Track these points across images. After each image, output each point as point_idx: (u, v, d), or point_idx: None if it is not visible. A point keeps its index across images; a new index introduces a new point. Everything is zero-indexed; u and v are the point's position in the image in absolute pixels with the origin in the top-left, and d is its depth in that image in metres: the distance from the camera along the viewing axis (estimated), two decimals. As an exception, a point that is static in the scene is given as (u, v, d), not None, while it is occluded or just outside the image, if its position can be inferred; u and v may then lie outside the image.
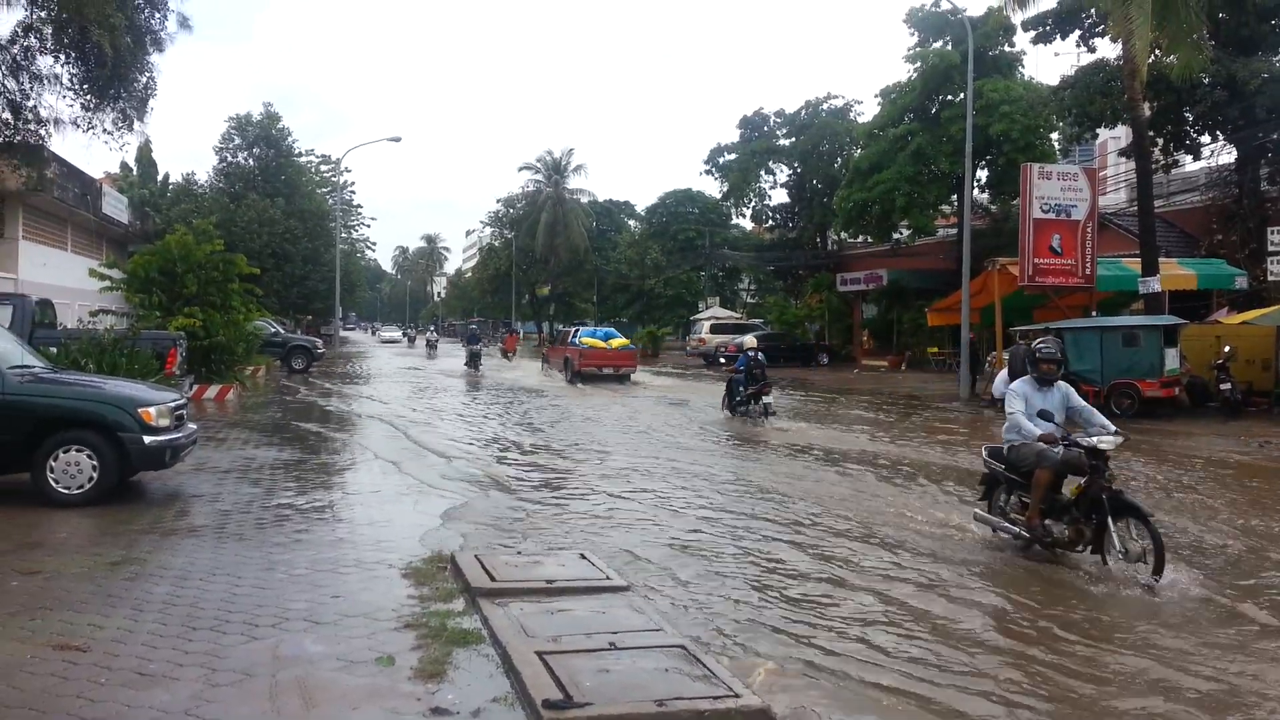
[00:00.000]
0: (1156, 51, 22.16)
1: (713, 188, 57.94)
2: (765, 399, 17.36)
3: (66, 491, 8.73)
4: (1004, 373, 20.51)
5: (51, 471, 8.72)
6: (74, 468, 8.76)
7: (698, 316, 54.50)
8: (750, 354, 18.38)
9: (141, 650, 5.08)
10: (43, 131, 19.34)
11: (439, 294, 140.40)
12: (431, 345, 52.57)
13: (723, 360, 39.04)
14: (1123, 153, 29.72)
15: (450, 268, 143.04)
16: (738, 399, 18.25)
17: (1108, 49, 26.76)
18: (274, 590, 6.28)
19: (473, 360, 35.02)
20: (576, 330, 33.96)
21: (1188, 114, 26.12)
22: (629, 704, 4.41)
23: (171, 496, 9.59)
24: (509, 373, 35.11)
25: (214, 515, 8.67)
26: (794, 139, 49.10)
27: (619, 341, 31.56)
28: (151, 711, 4.32)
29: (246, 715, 4.32)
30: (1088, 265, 22.89)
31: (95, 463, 8.79)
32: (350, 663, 4.98)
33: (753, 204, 52.94)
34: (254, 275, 24.59)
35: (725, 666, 4.97)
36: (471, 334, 38.70)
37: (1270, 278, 22.63)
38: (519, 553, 7.44)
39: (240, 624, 5.56)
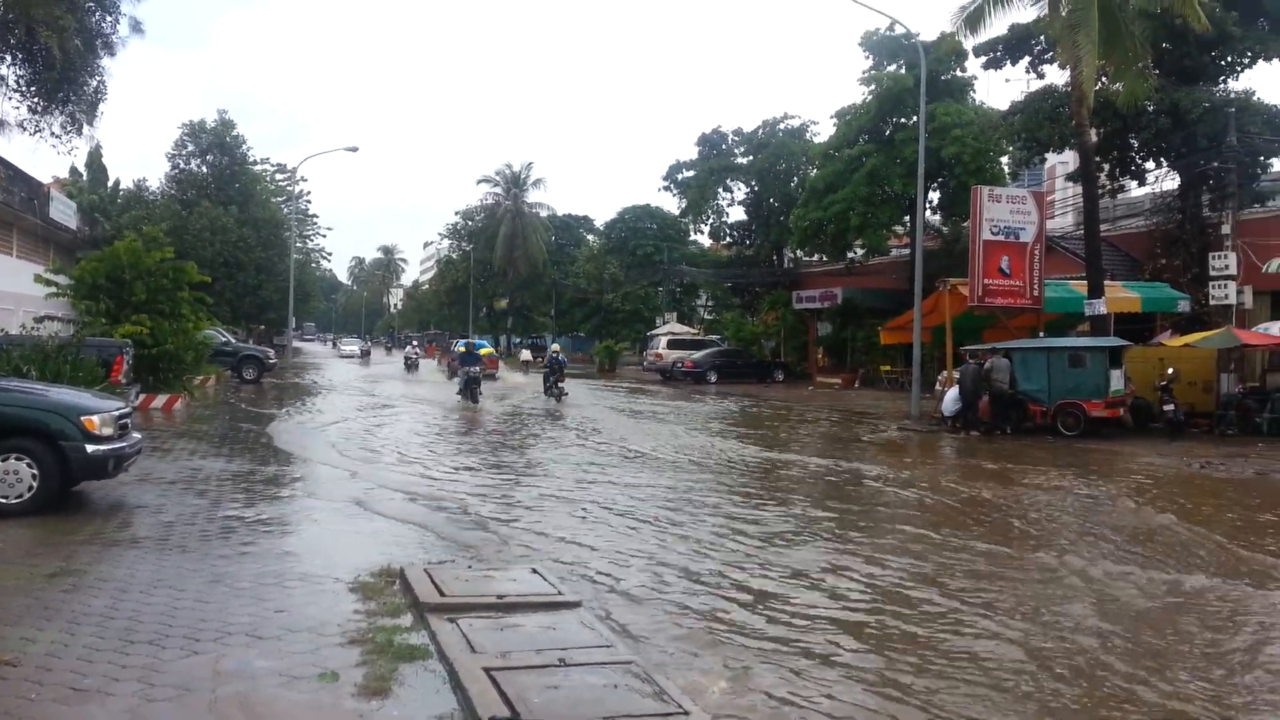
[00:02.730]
0: (1103, 79, 22.72)
1: (671, 204, 58.18)
2: (561, 384, 27.09)
3: (5, 500, 8.52)
4: (954, 390, 20.96)
5: (-11, 481, 8.50)
6: (13, 476, 8.55)
7: (655, 332, 54.50)
8: (554, 356, 28.22)
9: (76, 664, 4.96)
10: (-13, 134, 18.90)
11: (395, 305, 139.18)
12: (411, 364, 44.88)
13: (681, 373, 40.98)
14: (1070, 177, 30.36)
15: (407, 279, 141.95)
16: (548, 385, 27.54)
17: (1056, 75, 27.38)
18: (216, 604, 6.16)
19: (469, 389, 24.86)
20: (458, 342, 45.90)
21: (1133, 140, 26.76)
22: (576, 720, 4.40)
23: (114, 507, 9.39)
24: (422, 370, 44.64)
25: (157, 526, 8.50)
26: (752, 157, 49.46)
27: (486, 350, 43.95)
28: (85, 728, 4.22)
29: (184, 732, 4.24)
30: (1035, 287, 23.30)
31: (35, 471, 8.59)
32: (293, 678, 4.90)
33: (711, 221, 53.22)
34: (205, 283, 24.25)
35: (676, 684, 4.97)
36: (466, 354, 27.13)
37: (1212, 301, 23.25)
38: (469, 567, 7.39)
39: (180, 638, 5.45)
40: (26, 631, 5.44)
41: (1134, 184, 29.35)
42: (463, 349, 28.73)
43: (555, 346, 29.69)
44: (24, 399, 9.15)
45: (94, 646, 5.24)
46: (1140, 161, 27.70)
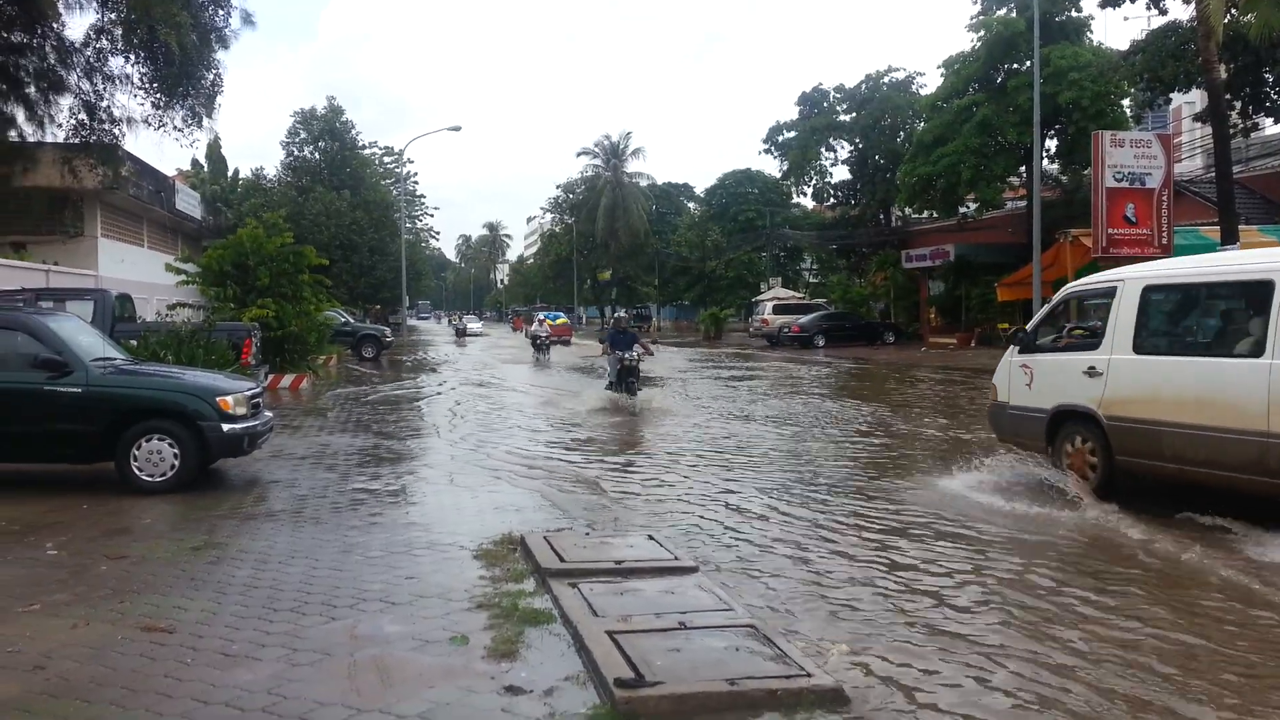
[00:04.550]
0: (1232, 10, 21.29)
1: (772, 167, 57.44)
2: (636, 346, 23.77)
3: (150, 479, 9.01)
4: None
5: (135, 460, 9.01)
6: (156, 456, 9.03)
7: (760, 297, 54.09)
8: (628, 324, 26.57)
9: (225, 631, 5.23)
10: (116, 131, 19.86)
11: (501, 281, 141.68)
12: (540, 346, 33.93)
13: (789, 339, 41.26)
14: (1198, 117, 28.66)
15: (512, 255, 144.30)
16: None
17: (1179, 10, 26.10)
18: (350, 572, 6.41)
19: (622, 380, 17.81)
20: (537, 313, 53.11)
21: (1267, 75, 25.08)
22: (700, 682, 4.42)
23: (250, 482, 9.85)
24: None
25: (291, 500, 8.88)
26: (854, 114, 48.35)
27: (562, 321, 52.92)
28: (235, 690, 4.45)
29: (326, 693, 4.42)
30: (1164, 234, 22.20)
31: (176, 450, 9.05)
32: (425, 642, 5.07)
33: (813, 182, 52.35)
34: (323, 266, 25.03)
35: (796, 646, 4.95)
36: (619, 333, 18.93)
37: (1359, 243, 21.69)
38: (587, 534, 7.50)
39: (319, 605, 5.69)
40: (178, 601, 5.77)
41: (1269, 121, 27.52)
42: (611, 327, 20.65)
43: (624, 315, 31.66)
44: (163, 382, 9.66)
45: (240, 614, 5.52)
46: (1276, 97, 25.93)
